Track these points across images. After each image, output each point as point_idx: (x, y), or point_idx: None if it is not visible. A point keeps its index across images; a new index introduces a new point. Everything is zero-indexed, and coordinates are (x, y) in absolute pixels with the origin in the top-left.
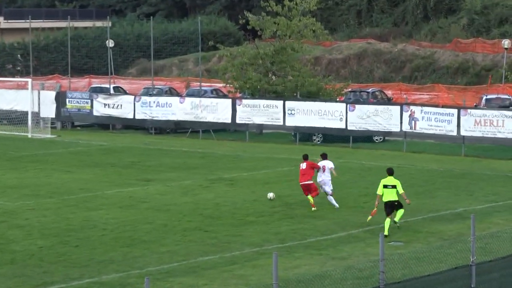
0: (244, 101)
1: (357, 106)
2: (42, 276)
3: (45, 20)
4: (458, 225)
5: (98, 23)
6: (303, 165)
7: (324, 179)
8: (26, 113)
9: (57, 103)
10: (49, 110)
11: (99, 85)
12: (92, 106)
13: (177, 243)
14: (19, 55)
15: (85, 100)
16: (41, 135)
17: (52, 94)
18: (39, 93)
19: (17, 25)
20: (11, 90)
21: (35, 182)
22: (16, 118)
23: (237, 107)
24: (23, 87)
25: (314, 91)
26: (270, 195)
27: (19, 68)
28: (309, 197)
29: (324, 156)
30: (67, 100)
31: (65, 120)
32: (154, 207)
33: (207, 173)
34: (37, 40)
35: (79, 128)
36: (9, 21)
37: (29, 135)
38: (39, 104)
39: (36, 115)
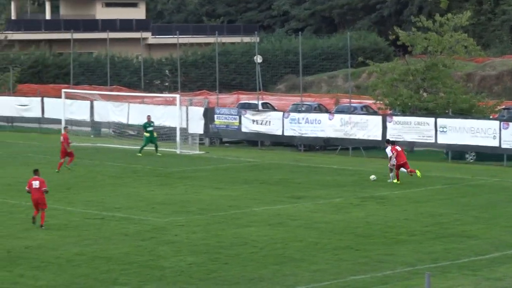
0: (395, 118)
1: (511, 124)
2: None
3: (193, 36)
4: None
5: (246, 39)
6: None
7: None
8: (174, 129)
9: (205, 119)
10: (197, 126)
11: (247, 101)
12: (240, 122)
13: (328, 262)
14: (167, 71)
15: (234, 116)
16: (190, 151)
17: (200, 110)
18: (187, 109)
19: (165, 41)
20: (159, 106)
21: (184, 198)
22: (164, 134)
23: (388, 124)
24: (171, 103)
25: (467, 108)
26: (372, 176)
27: (167, 83)
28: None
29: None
30: (215, 116)
31: (213, 136)
32: (304, 224)
33: (357, 191)
34: (185, 55)
35: (227, 144)
36: (157, 36)
37: (178, 151)
38: (187, 120)
39: (184, 131)
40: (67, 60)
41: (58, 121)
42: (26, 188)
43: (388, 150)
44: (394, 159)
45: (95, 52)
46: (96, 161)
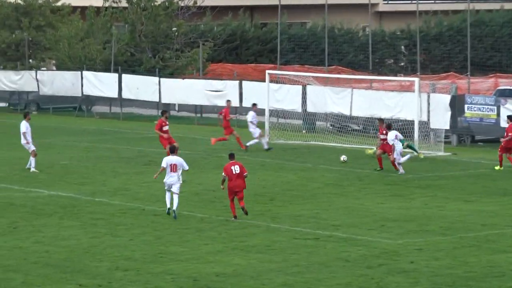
0: None
1: None
2: None
3: (436, 1)
4: None
5: (508, 5)
6: None
7: None
8: (412, 122)
9: (453, 110)
10: (441, 120)
11: (508, 87)
12: (498, 114)
13: None
14: (402, 47)
15: (489, 107)
16: (432, 152)
17: (446, 98)
18: (428, 97)
19: (400, 8)
20: (391, 92)
21: (423, 213)
22: (398, 130)
23: None
24: (407, 88)
25: None
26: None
27: (402, 63)
28: None
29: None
30: (465, 106)
31: (463, 133)
32: None
33: None
34: (426, 27)
35: (480, 143)
36: (390, 2)
37: (415, 152)
38: (428, 112)
39: (424, 125)
40: (273, 33)
41: (258, 112)
42: (223, 174)
43: None
44: None
45: (308, 22)
46: (308, 164)
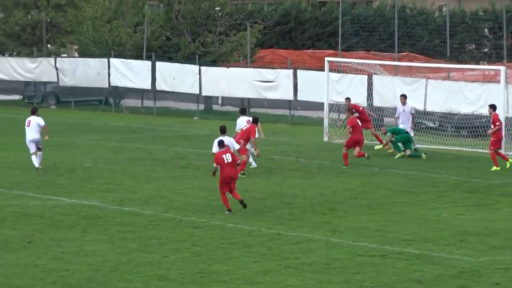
0: None
1: None
2: None
3: None
4: None
5: None
6: None
7: None
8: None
9: None
10: None
11: None
12: None
13: None
14: (486, 30)
15: None
16: None
17: None
18: None
19: None
20: (473, 83)
21: (509, 226)
22: (479, 127)
23: None
24: (492, 79)
25: None
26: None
27: (486, 49)
28: None
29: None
30: None
31: None
32: None
33: None
34: None
35: None
36: None
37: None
38: None
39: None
40: (333, 14)
41: (315, 106)
42: (214, 165)
43: None
44: None
45: (375, 1)
46: (374, 167)
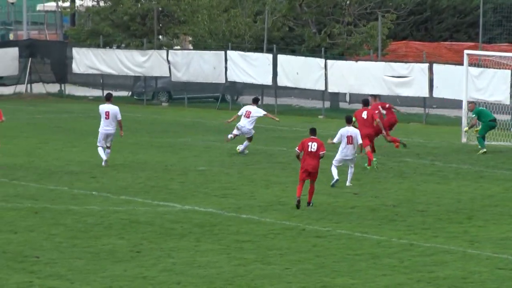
0: None
1: None
2: None
3: None
4: None
5: None
6: None
7: None
8: None
9: None
10: None
11: None
12: None
13: None
14: None
15: None
16: None
17: None
18: None
19: None
20: None
21: None
22: None
23: None
24: None
25: None
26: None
27: None
28: None
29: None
30: None
31: None
32: None
33: None
34: None
35: None
36: None
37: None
38: None
39: None
40: (474, 2)
41: (452, 104)
42: (297, 150)
43: None
44: None
45: None
46: None
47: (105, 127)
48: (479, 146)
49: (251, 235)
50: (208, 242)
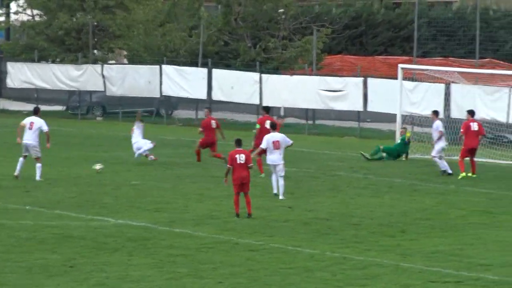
0: None
1: None
2: None
3: None
4: None
5: None
6: None
7: None
8: None
9: None
10: None
11: None
12: None
13: None
14: None
15: None
16: None
17: None
18: None
19: None
20: None
21: None
22: None
23: None
24: None
25: None
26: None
27: None
28: None
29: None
30: None
31: None
32: None
33: None
34: None
35: None
36: None
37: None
38: None
39: None
40: (408, 17)
41: (386, 118)
42: (227, 165)
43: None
44: None
45: (455, 2)
46: (450, 184)
47: (26, 139)
48: (371, 152)
49: (184, 249)
50: (141, 256)
